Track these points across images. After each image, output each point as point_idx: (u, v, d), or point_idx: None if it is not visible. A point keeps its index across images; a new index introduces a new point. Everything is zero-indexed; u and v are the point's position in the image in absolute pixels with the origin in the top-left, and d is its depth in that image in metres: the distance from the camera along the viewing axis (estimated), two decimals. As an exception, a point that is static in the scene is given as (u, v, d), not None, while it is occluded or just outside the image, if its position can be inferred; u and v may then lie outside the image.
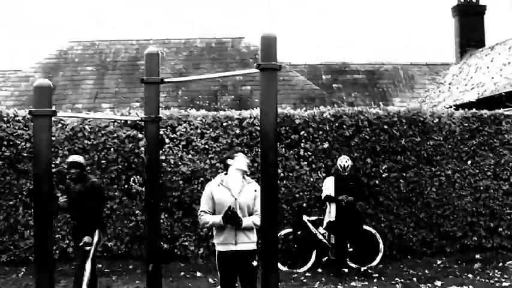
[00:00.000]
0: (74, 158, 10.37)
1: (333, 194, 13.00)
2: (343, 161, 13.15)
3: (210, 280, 12.28)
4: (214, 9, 64.17)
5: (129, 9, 63.32)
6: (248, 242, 7.99)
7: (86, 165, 10.67)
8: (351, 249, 13.31)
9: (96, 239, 10.06)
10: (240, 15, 63.70)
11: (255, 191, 7.95)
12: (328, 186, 13.15)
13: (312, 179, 13.96)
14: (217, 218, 7.88)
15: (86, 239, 9.92)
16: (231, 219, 7.80)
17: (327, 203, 13.20)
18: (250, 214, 7.99)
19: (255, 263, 8.00)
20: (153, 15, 63.51)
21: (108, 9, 63.73)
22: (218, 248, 8.09)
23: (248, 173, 8.22)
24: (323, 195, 13.18)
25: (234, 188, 8.03)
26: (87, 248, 9.88)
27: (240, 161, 8.15)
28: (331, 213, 13.13)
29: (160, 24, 62.43)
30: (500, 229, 14.68)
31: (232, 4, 64.41)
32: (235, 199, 7.94)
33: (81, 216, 10.06)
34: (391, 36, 61.39)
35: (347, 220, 13.00)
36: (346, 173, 13.12)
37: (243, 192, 7.99)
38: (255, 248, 8.03)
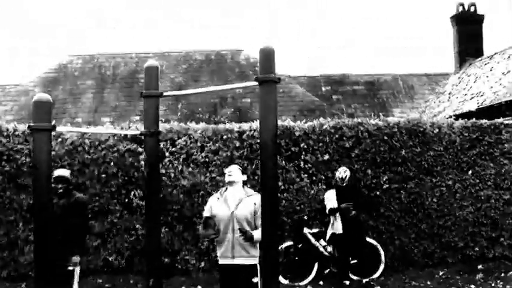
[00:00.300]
0: (60, 172, 9.99)
1: (336, 206, 12.96)
2: (341, 172, 13.13)
3: (212, 294, 12.26)
4: (214, 9, 64.47)
5: (129, 9, 63.59)
6: (247, 257, 7.89)
7: (72, 179, 10.48)
8: (353, 262, 13.26)
9: (77, 258, 9.86)
10: (239, 15, 63.95)
11: (255, 204, 7.89)
12: (331, 198, 13.10)
13: (312, 191, 13.94)
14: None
15: (76, 258, 9.73)
16: (205, 226, 7.81)
17: (331, 216, 13.16)
18: (253, 227, 7.94)
19: (255, 280, 7.88)
20: (153, 15, 63.77)
21: (108, 9, 64.01)
22: (219, 260, 8.11)
23: (234, 180, 8.12)
24: (327, 208, 13.12)
25: (231, 201, 8.01)
26: (71, 268, 9.70)
27: (226, 175, 8.21)
28: (334, 226, 13.09)
29: (160, 24, 62.69)
30: (502, 239, 14.64)
31: (232, 4, 64.71)
32: (232, 212, 7.92)
33: (65, 232, 9.82)
34: (390, 42, 61.67)
35: (351, 232, 12.96)
36: (345, 184, 13.08)
37: (241, 204, 7.95)
38: (256, 263, 7.92)
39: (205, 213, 8.17)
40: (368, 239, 13.63)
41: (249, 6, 66.29)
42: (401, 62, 58.36)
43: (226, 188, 8.19)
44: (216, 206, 8.08)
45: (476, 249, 14.52)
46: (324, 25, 65.18)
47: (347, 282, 13.01)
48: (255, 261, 7.91)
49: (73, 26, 63.09)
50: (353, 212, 12.82)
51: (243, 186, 8.20)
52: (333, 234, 13.11)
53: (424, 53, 59.56)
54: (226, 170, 8.25)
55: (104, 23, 64.37)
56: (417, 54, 59.20)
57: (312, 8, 65.62)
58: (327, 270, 13.45)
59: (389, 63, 58.42)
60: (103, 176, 13.51)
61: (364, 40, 61.99)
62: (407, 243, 14.25)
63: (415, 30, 63.49)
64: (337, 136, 14.17)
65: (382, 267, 13.62)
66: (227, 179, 8.13)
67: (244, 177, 8.26)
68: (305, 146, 14.05)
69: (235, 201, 8.00)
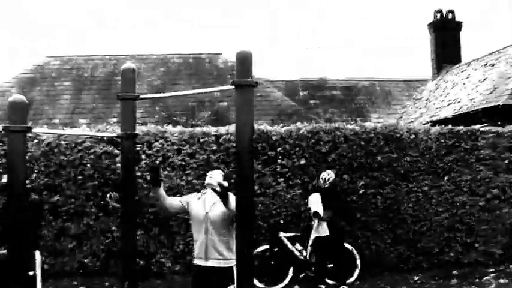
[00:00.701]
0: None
1: (321, 210, 12.84)
2: (325, 174, 13.09)
3: (187, 297, 12.23)
4: (214, 9, 64.45)
5: (129, 9, 63.48)
6: (220, 259, 7.79)
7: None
8: (330, 266, 13.27)
9: (38, 260, 9.69)
10: (240, 15, 64.03)
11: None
12: (315, 202, 12.98)
13: (288, 196, 13.95)
14: None
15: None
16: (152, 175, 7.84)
17: (315, 219, 13.06)
18: (228, 227, 7.88)
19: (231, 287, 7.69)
20: (153, 15, 63.68)
21: (108, 9, 63.88)
22: (194, 260, 8.04)
23: (212, 183, 8.05)
24: (312, 211, 12.99)
25: (208, 202, 7.99)
26: (31, 273, 9.49)
27: (207, 177, 8.22)
28: (319, 229, 13.00)
29: (160, 24, 62.63)
30: (476, 245, 14.70)
31: (232, 4, 64.74)
32: (206, 213, 7.90)
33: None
34: (370, 46, 61.90)
35: (335, 236, 12.93)
36: (327, 186, 13.04)
37: (215, 206, 7.92)
38: (231, 266, 7.72)
39: (180, 198, 8.28)
40: (344, 244, 13.63)
41: (249, 6, 66.50)
42: (380, 66, 58.75)
43: (206, 192, 8.18)
44: (194, 204, 8.06)
45: (451, 254, 14.59)
46: (305, 28, 65.41)
47: (322, 287, 13.02)
48: (229, 264, 7.77)
49: (73, 26, 63.03)
50: (327, 215, 12.76)
51: None
52: (317, 237, 13.04)
53: (402, 57, 59.94)
54: (208, 173, 8.26)
55: (104, 23, 64.36)
56: (396, 59, 59.54)
57: (312, 8, 65.75)
58: (302, 275, 13.46)
59: (368, 67, 58.79)
60: (79, 177, 13.46)
61: (347, 43, 62.31)
62: (383, 248, 14.30)
63: (394, 35, 63.84)
64: (313, 141, 14.20)
65: (357, 271, 13.64)
66: (207, 180, 8.11)
67: (225, 184, 8.19)
68: (282, 151, 14.07)
69: (210, 203, 7.97)
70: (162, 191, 7.95)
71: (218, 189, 7.45)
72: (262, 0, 65.63)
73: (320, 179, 13.12)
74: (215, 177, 8.11)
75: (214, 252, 7.80)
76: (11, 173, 5.46)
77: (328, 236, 12.87)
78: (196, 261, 7.98)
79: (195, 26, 64.89)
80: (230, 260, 7.73)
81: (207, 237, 7.86)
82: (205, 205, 7.97)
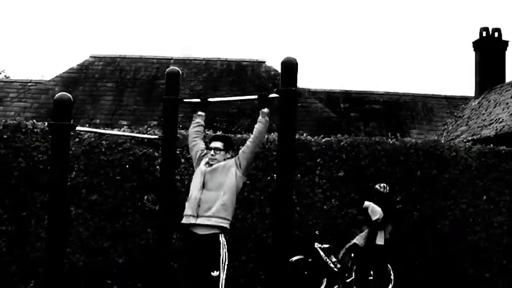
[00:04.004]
0: None
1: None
2: (382, 184, 13.06)
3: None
4: (255, 15, 64.62)
5: (172, 11, 64.01)
6: (211, 216, 7.34)
7: None
8: (370, 278, 13.21)
9: None
10: (283, 22, 64.19)
11: (232, 162, 7.81)
12: (377, 210, 12.91)
13: (325, 207, 13.90)
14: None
15: None
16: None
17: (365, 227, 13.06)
18: (225, 188, 7.54)
19: (215, 274, 7.12)
20: (198, 19, 64.08)
21: (150, 11, 64.43)
22: (182, 220, 7.79)
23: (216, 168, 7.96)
24: (373, 218, 12.91)
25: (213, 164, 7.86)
26: None
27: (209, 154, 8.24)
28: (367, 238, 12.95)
29: (204, 28, 62.84)
30: (512, 266, 14.57)
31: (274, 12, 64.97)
32: (209, 165, 7.89)
33: None
34: (412, 62, 61.67)
35: (385, 249, 12.92)
36: (387, 192, 12.97)
37: (216, 165, 7.84)
38: (220, 231, 7.31)
39: (202, 146, 8.52)
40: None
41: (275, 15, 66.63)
42: (422, 81, 58.48)
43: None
44: (203, 160, 8.08)
45: (487, 275, 14.43)
46: (348, 39, 65.28)
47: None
48: (221, 224, 7.29)
49: (100, 24, 63.78)
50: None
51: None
52: (362, 246, 12.98)
53: (446, 74, 59.58)
54: (209, 147, 8.21)
55: (147, 24, 65.13)
56: (439, 75, 59.20)
57: (339, 23, 65.67)
58: (336, 287, 13.42)
59: (411, 82, 58.57)
60: (118, 178, 13.52)
61: (389, 57, 62.08)
62: (417, 264, 14.18)
63: (439, 50, 63.48)
64: (353, 153, 14.15)
65: (390, 286, 13.56)
66: (211, 165, 7.91)
67: (228, 155, 8.10)
68: (321, 161, 14.02)
69: (217, 161, 7.88)
70: (201, 119, 8.79)
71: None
72: (305, 9, 65.67)
73: (378, 187, 13.03)
74: (218, 157, 8.08)
75: (207, 209, 7.35)
76: (53, 170, 5.51)
77: (382, 246, 12.80)
78: (184, 220, 7.70)
79: (237, 29, 65.22)
80: (222, 220, 7.30)
81: (202, 192, 7.58)
82: (212, 162, 7.86)
